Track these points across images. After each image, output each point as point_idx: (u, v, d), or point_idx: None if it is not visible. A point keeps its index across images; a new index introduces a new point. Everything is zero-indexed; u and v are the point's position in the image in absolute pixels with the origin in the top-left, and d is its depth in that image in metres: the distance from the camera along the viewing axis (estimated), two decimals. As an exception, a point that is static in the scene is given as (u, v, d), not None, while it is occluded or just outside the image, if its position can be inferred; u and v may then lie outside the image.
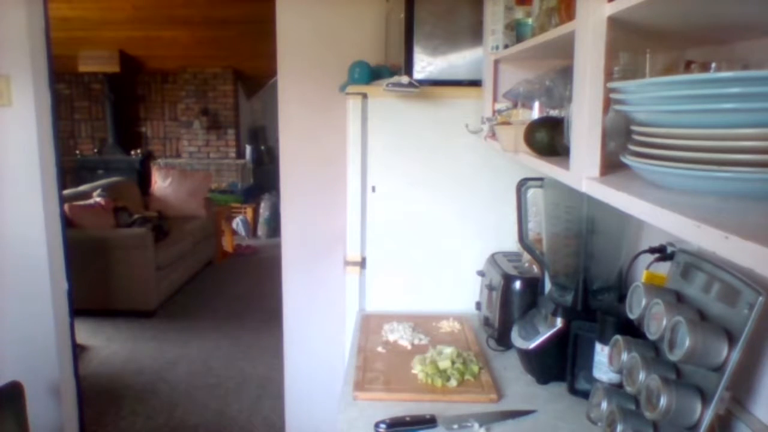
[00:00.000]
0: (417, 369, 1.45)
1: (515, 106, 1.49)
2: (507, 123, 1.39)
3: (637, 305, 1.02)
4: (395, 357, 1.55)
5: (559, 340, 1.36)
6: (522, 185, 1.51)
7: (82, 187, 5.24)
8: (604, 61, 0.82)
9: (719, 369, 0.86)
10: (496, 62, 1.59)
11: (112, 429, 2.96)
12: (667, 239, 1.13)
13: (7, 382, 1.80)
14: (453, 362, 1.43)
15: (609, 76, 0.85)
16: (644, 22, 0.83)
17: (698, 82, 0.63)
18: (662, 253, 1.13)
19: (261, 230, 7.33)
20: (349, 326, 1.86)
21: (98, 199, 4.79)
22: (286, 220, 2.52)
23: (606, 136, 0.85)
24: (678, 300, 0.99)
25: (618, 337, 1.06)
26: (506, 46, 1.49)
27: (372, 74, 1.90)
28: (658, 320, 0.94)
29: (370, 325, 1.76)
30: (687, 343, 0.85)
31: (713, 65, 0.85)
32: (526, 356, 1.43)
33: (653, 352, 1.01)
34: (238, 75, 7.73)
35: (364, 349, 1.59)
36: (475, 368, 1.45)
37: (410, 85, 1.67)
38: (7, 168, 2.30)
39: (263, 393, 3.33)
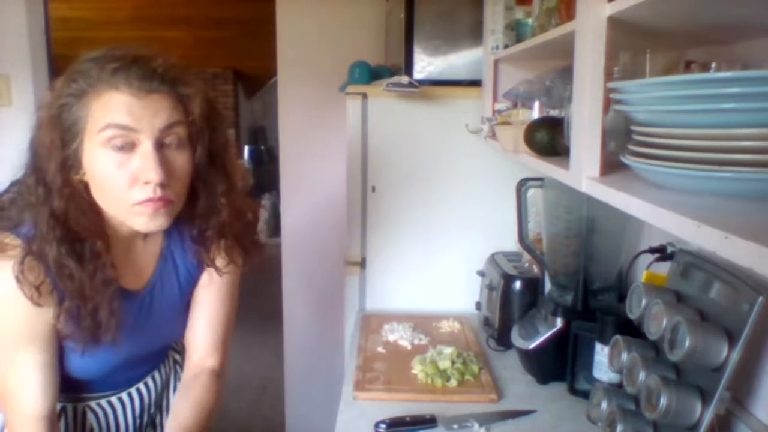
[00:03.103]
0: (417, 369, 1.45)
1: (515, 106, 1.49)
2: (507, 123, 1.39)
3: (637, 305, 1.02)
4: (395, 357, 1.55)
5: (559, 340, 1.36)
6: (522, 185, 1.51)
7: (82, 187, 5.23)
8: (604, 61, 0.82)
9: (719, 369, 0.86)
10: (496, 62, 1.59)
11: (112, 429, 2.96)
12: (667, 239, 1.13)
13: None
14: (453, 362, 1.43)
15: (609, 76, 0.85)
16: (644, 22, 0.83)
17: (698, 82, 0.63)
18: (662, 253, 1.13)
19: (261, 230, 7.33)
20: (349, 326, 1.86)
21: (98, 199, 4.78)
22: (286, 220, 2.52)
23: (606, 136, 0.85)
24: (678, 300, 0.99)
25: (618, 337, 1.06)
26: (506, 46, 1.49)
27: (372, 74, 1.90)
28: (658, 320, 0.94)
29: (370, 325, 1.76)
30: (687, 343, 0.85)
31: (713, 65, 0.85)
32: (526, 356, 1.43)
33: (653, 352, 1.01)
34: (238, 75, 7.72)
35: (364, 349, 1.59)
36: (475, 368, 1.45)
37: (410, 85, 1.67)
38: (7, 168, 2.29)
39: (263, 393, 3.33)
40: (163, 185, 0.89)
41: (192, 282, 1.12)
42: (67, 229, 0.91)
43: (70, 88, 0.89)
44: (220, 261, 1.09)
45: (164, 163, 0.89)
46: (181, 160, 0.93)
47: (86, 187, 0.93)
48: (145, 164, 0.88)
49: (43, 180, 0.92)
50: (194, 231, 1.05)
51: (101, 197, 0.93)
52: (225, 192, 1.02)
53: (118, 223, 0.97)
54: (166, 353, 1.23)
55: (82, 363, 1.01)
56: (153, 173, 0.88)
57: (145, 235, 1.05)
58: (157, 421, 1.21)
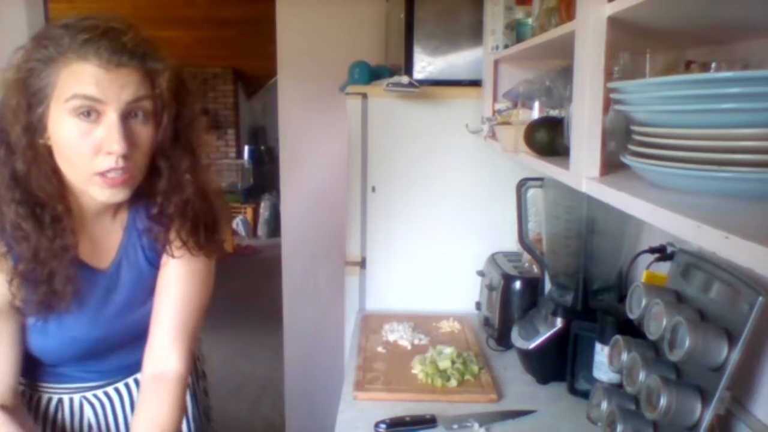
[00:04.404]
0: (417, 369, 1.45)
1: (515, 106, 1.49)
2: (507, 123, 1.39)
3: (637, 305, 1.02)
4: (395, 357, 1.55)
5: (559, 340, 1.36)
6: (522, 185, 1.51)
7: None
8: (604, 61, 0.82)
9: (719, 369, 0.86)
10: (496, 62, 1.59)
11: (112, 429, 2.96)
12: (667, 239, 1.13)
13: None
14: (453, 362, 1.43)
15: (609, 76, 0.85)
16: (644, 22, 0.83)
17: (698, 82, 0.63)
18: (662, 253, 1.13)
19: (261, 230, 7.33)
20: (349, 326, 1.86)
21: (98, 199, 4.78)
22: (286, 220, 2.52)
23: (606, 136, 0.85)
24: (678, 300, 0.99)
25: (618, 337, 1.06)
26: (506, 46, 1.49)
27: (372, 74, 1.90)
28: (658, 320, 0.94)
29: (370, 325, 1.76)
30: (687, 343, 0.85)
31: (713, 65, 0.85)
32: (526, 356, 1.43)
33: (653, 352, 1.01)
34: (238, 75, 7.72)
35: (364, 349, 1.59)
36: (475, 368, 1.45)
37: (410, 85, 1.67)
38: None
39: (263, 393, 3.33)
40: (125, 156, 0.90)
41: (158, 258, 1.09)
42: (27, 193, 0.92)
43: (40, 54, 0.89)
44: (176, 243, 1.06)
45: (128, 135, 0.90)
46: (146, 133, 0.93)
47: (50, 151, 0.93)
48: (109, 135, 0.89)
49: (7, 141, 0.92)
50: (154, 209, 1.04)
51: (64, 163, 0.93)
52: (189, 168, 1.01)
53: (80, 192, 0.97)
54: None
55: (55, 344, 1.01)
56: (116, 145, 0.88)
57: (114, 213, 1.05)
58: None
